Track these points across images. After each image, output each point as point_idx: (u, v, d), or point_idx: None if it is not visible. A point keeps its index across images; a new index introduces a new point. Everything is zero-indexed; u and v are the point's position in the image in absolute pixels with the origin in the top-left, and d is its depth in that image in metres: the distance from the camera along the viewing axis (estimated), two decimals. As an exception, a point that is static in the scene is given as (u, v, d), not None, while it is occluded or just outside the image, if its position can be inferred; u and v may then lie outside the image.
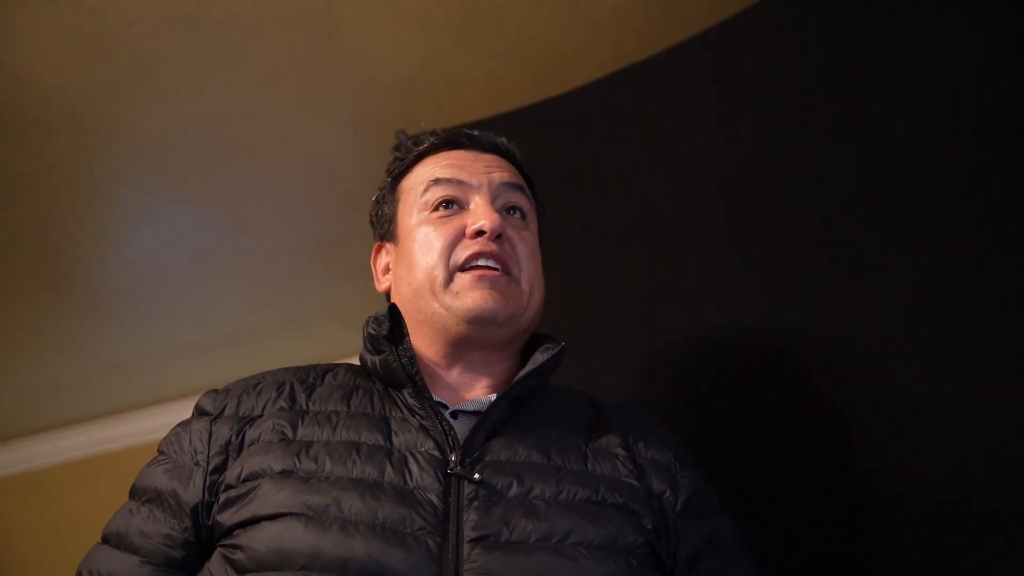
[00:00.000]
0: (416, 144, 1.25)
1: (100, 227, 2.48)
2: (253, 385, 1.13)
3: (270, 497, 0.98)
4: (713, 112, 1.60)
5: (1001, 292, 1.26)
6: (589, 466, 1.06)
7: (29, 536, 3.40)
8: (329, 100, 2.10)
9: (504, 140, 1.26)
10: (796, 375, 1.40)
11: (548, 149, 1.70)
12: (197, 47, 1.92)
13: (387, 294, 1.23)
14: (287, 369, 1.16)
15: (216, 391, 1.14)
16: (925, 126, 1.37)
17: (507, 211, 1.18)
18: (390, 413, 1.07)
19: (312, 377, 1.14)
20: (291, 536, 0.94)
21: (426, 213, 1.17)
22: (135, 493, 1.09)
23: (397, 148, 1.84)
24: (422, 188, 1.18)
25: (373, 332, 1.11)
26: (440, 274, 1.12)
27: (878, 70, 1.44)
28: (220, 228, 2.53)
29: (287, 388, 1.11)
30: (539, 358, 1.11)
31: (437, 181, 1.17)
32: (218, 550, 1.00)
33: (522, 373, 1.10)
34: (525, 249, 1.16)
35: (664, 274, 1.55)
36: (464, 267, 1.12)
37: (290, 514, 0.96)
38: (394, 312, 1.11)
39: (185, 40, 1.89)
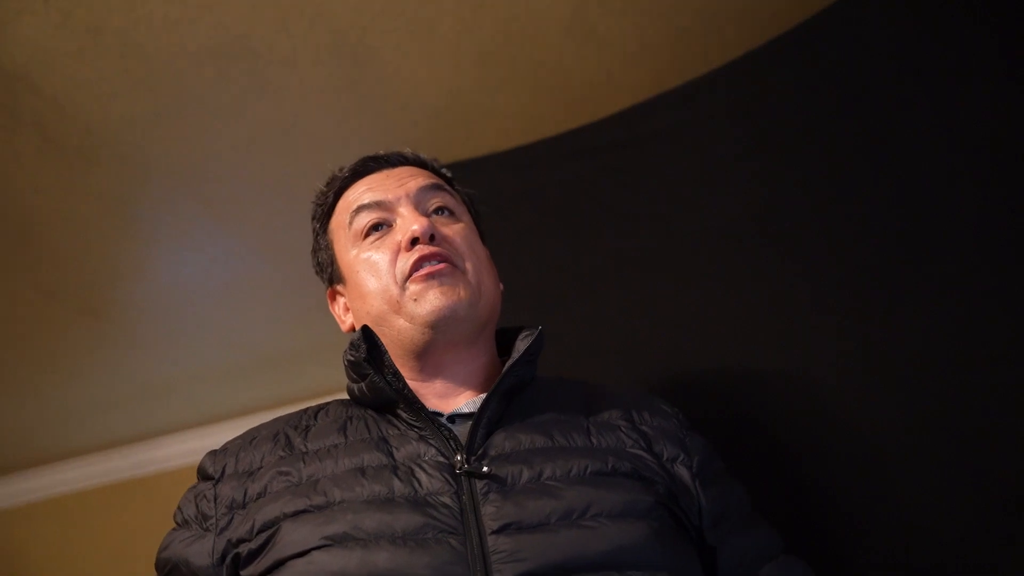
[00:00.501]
0: (329, 185, 1.28)
1: (137, 254, 2.52)
2: (249, 441, 1.15)
3: (291, 538, 1.00)
4: (741, 143, 1.61)
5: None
6: (593, 440, 1.08)
7: (59, 562, 3.43)
8: (362, 130, 2.13)
9: (410, 150, 1.29)
10: (828, 418, 1.39)
11: (580, 178, 1.72)
12: (235, 79, 1.96)
13: (352, 332, 1.25)
14: (278, 419, 1.19)
15: (215, 452, 1.17)
16: (953, 155, 1.38)
17: (435, 212, 1.21)
18: (387, 433, 1.09)
19: (305, 420, 1.16)
20: (317, 568, 0.96)
21: (360, 242, 1.19)
22: (157, 566, 1.13)
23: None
24: (348, 220, 1.21)
25: (352, 358, 1.12)
26: (395, 289, 1.14)
27: (905, 100, 1.45)
28: (254, 255, 2.56)
29: (282, 437, 1.13)
30: (521, 346, 1.13)
31: (358, 210, 1.20)
32: None
33: (508, 364, 1.11)
34: (461, 242, 1.18)
35: (691, 305, 1.56)
36: (410, 275, 1.13)
37: (313, 548, 0.98)
38: (367, 333, 1.13)
39: (223, 72, 1.93)
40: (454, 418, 1.12)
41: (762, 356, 1.46)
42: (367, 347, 1.11)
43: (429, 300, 1.11)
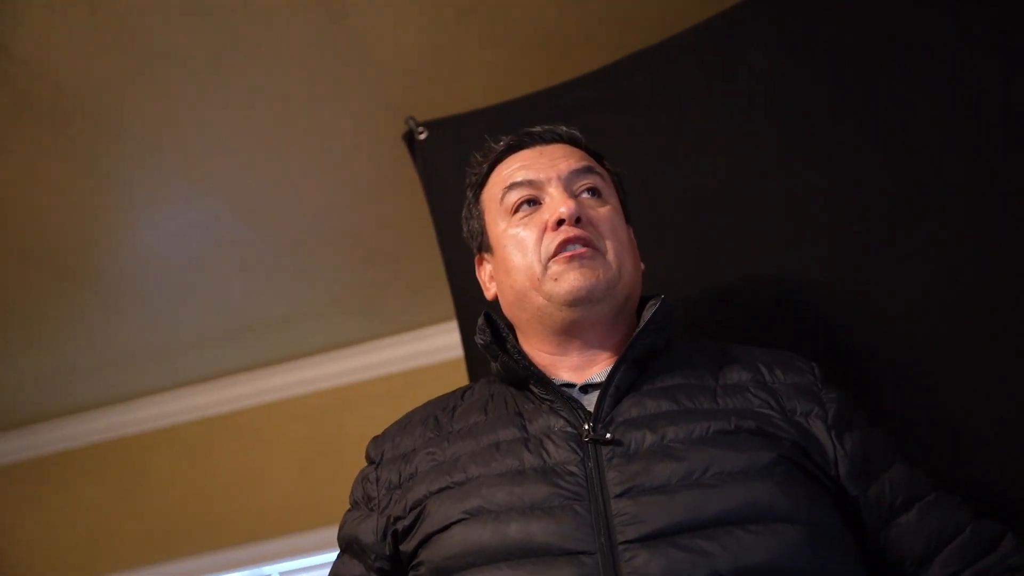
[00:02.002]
0: (485, 156, 1.32)
1: (113, 216, 2.49)
2: (404, 425, 1.24)
3: (435, 514, 1.08)
4: (721, 103, 1.60)
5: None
6: (719, 402, 1.11)
7: (40, 520, 3.43)
8: (338, 87, 2.11)
9: (564, 128, 1.32)
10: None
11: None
12: (208, 35, 1.93)
13: (496, 300, 1.31)
14: (430, 403, 1.27)
15: (377, 437, 1.26)
16: (943, 113, 1.37)
17: (584, 193, 1.25)
18: (522, 407, 1.16)
19: (452, 401, 1.24)
20: (456, 540, 1.04)
21: (509, 217, 1.24)
22: (339, 542, 1.25)
23: (407, 136, 1.85)
24: (500, 195, 1.26)
25: (481, 342, 1.20)
26: (537, 268, 1.19)
27: (889, 59, 1.44)
28: (231, 218, 2.54)
29: (431, 420, 1.22)
30: (646, 315, 1.18)
31: (511, 186, 1.24)
32: (410, 574, 1.12)
33: (635, 333, 1.16)
34: (606, 224, 1.22)
35: (676, 268, 1.55)
36: (554, 255, 1.18)
37: (453, 523, 1.06)
38: (489, 319, 1.21)
39: (195, 28, 1.90)
40: (587, 388, 1.16)
41: (736, 327, 1.46)
42: (491, 331, 1.20)
43: (568, 281, 1.16)
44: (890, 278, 1.37)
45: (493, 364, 1.22)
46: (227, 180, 2.40)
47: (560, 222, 1.18)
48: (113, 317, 2.92)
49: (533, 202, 1.23)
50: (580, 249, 1.17)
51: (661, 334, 1.18)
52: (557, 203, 1.21)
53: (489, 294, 1.31)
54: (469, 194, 1.34)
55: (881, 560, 1.08)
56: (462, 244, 1.76)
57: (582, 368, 1.19)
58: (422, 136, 1.80)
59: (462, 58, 2.02)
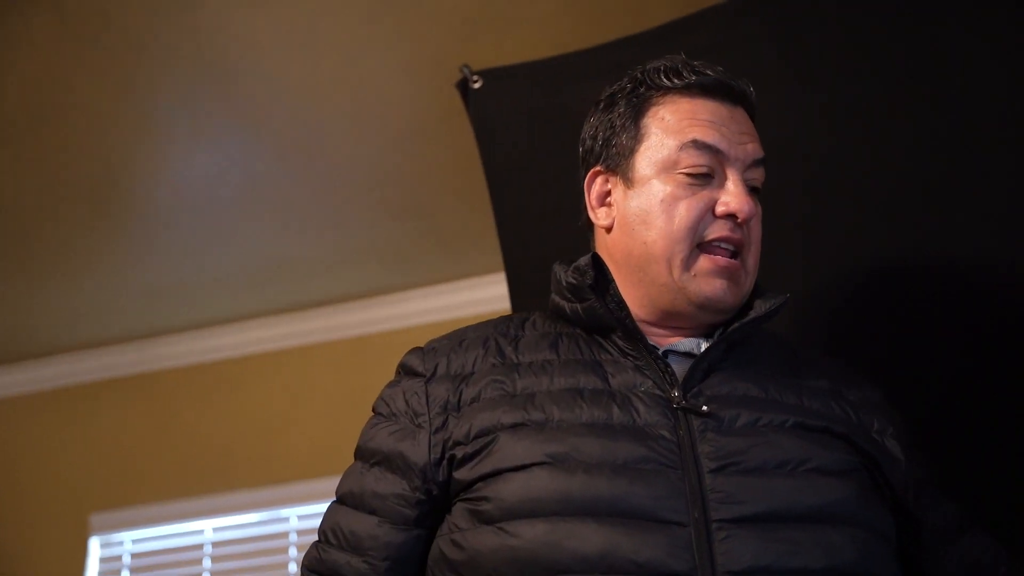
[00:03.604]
0: (657, 73, 1.15)
1: (152, 150, 2.48)
2: (458, 343, 1.15)
3: (510, 450, 1.01)
4: (781, 67, 1.57)
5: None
6: (805, 401, 1.08)
7: (66, 451, 3.46)
8: (391, 34, 2.08)
9: (750, 87, 1.18)
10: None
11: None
12: (261, -29, 1.91)
13: (592, 229, 1.20)
14: (485, 324, 1.18)
15: (421, 350, 1.16)
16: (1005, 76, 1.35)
17: (751, 190, 1.13)
18: (600, 357, 1.09)
19: (512, 329, 1.15)
20: (539, 485, 0.98)
21: (674, 172, 1.10)
22: (362, 455, 1.13)
23: (461, 84, 1.82)
24: (675, 144, 1.11)
25: (575, 281, 1.10)
26: (682, 250, 1.08)
27: (956, 21, 1.41)
28: (269, 158, 2.53)
29: (492, 343, 1.13)
30: (762, 307, 1.10)
31: (696, 144, 1.10)
32: (459, 504, 1.04)
33: (747, 319, 1.10)
34: (756, 232, 1.13)
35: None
36: (707, 248, 1.09)
37: (534, 464, 0.99)
38: (597, 262, 1.11)
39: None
40: (667, 354, 1.10)
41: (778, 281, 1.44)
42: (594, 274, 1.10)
43: (710, 288, 1.08)
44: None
45: (567, 304, 1.13)
46: (269, 120, 2.38)
47: (729, 215, 1.08)
48: (146, 252, 2.92)
49: (707, 171, 1.10)
50: (733, 261, 1.09)
51: (762, 326, 1.14)
52: (735, 196, 1.09)
53: (598, 220, 1.17)
54: (622, 101, 1.16)
55: None
56: (514, 195, 1.74)
57: (667, 334, 1.13)
58: (476, 85, 1.77)
59: (514, 10, 2.00)
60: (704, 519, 0.95)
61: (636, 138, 1.13)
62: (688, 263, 1.08)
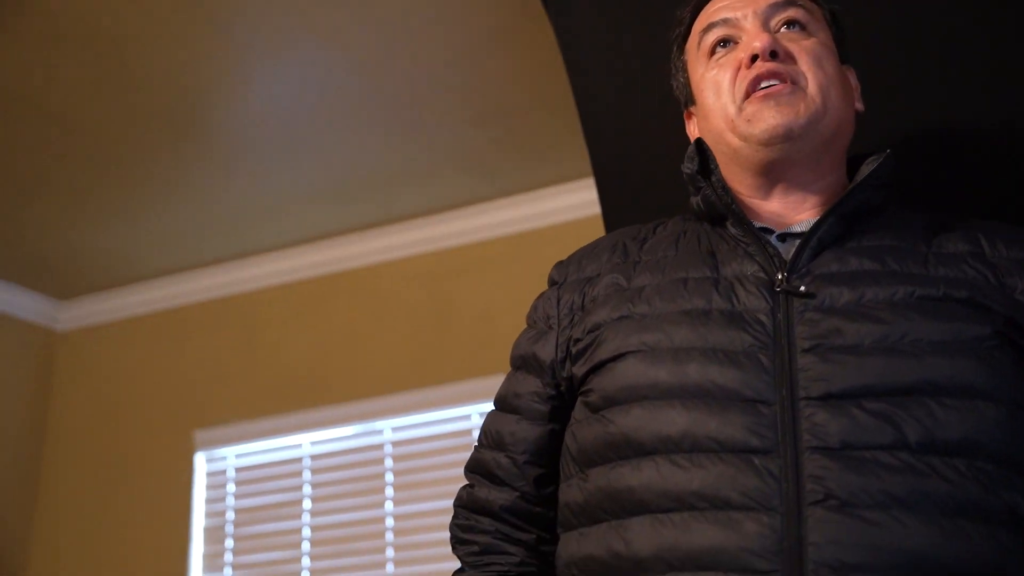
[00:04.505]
0: (687, 6, 1.25)
1: (230, 71, 2.47)
2: (591, 249, 1.21)
3: (610, 342, 1.06)
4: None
5: None
6: (929, 268, 1.05)
7: (158, 372, 3.56)
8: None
9: None
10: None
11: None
12: None
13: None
14: (622, 231, 1.22)
15: (561, 262, 1.23)
16: None
17: (785, 27, 1.16)
18: (716, 247, 1.11)
19: (644, 232, 1.20)
20: (631, 372, 1.02)
21: (707, 61, 1.18)
22: (511, 361, 1.21)
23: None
24: (698, 40, 1.20)
25: (687, 171, 1.15)
26: (732, 108, 1.12)
27: None
28: (346, 72, 2.49)
29: (620, 246, 1.18)
30: (865, 170, 1.10)
31: (708, 28, 1.18)
32: (580, 398, 1.10)
33: (851, 186, 1.09)
34: (807, 58, 1.12)
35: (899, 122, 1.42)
36: (749, 94, 1.11)
37: (628, 353, 1.04)
38: (700, 146, 1.16)
39: None
40: (785, 236, 1.11)
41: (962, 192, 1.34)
42: (700, 160, 1.15)
43: (764, 120, 1.10)
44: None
45: (693, 199, 1.16)
46: (344, 32, 2.34)
47: (754, 58, 1.11)
48: (227, 174, 2.94)
49: (728, 42, 1.16)
50: (777, 86, 1.09)
51: (879, 192, 1.10)
52: (751, 38, 1.12)
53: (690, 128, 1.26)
54: (674, 48, 1.27)
55: None
56: (599, 97, 1.67)
57: (784, 215, 1.13)
58: (557, -16, 1.68)
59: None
60: (792, 398, 0.95)
61: (685, 67, 1.24)
62: (740, 115, 1.12)
